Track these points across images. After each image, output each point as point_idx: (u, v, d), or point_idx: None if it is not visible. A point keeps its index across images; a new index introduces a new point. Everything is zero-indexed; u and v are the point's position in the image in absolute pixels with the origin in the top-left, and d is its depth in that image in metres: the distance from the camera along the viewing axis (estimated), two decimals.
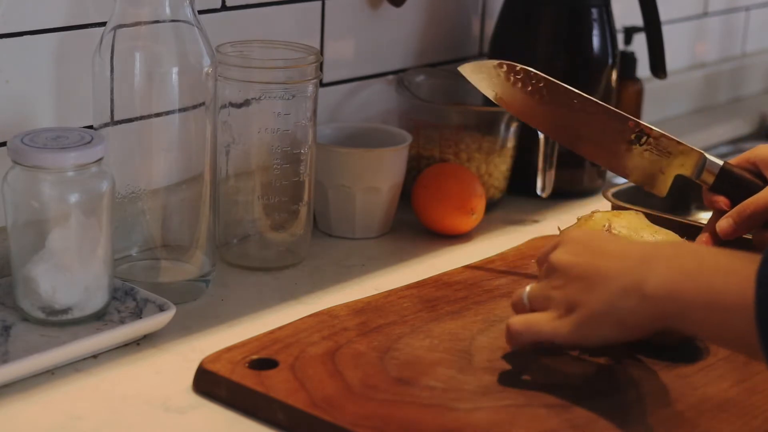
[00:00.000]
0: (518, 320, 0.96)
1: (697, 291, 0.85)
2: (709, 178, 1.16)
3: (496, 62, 1.18)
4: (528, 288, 0.98)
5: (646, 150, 1.17)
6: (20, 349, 0.99)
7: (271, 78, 1.17)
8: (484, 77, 1.19)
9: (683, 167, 1.17)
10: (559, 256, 0.95)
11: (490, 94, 1.19)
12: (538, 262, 1.01)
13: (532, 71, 1.17)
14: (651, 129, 1.17)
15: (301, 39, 1.29)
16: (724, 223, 1.15)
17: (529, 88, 1.17)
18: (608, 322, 0.91)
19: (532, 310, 0.97)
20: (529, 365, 1.00)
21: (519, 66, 1.17)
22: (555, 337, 0.94)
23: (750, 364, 1.01)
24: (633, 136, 1.17)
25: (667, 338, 1.03)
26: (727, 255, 0.87)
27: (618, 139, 1.17)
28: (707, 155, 1.17)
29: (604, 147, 1.18)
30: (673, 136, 1.17)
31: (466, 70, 1.20)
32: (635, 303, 0.88)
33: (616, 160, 1.18)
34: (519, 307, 0.98)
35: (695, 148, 1.17)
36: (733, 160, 1.18)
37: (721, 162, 1.16)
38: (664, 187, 1.19)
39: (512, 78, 1.17)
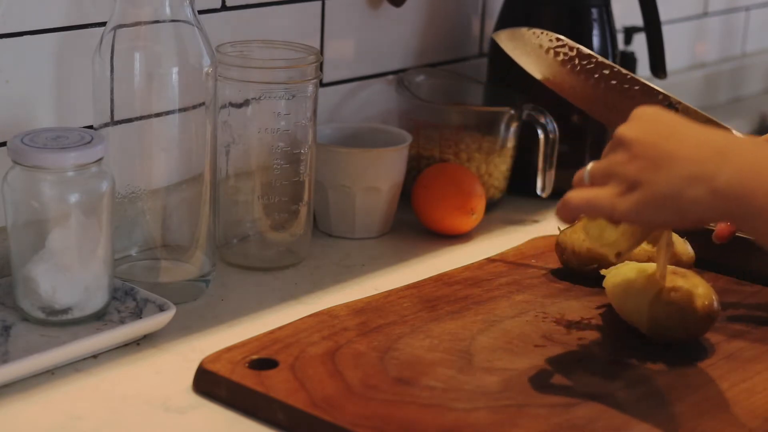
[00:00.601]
0: (576, 194, 0.93)
1: None
2: None
3: (532, 30, 1.16)
4: (590, 165, 0.94)
5: None
6: (20, 349, 0.99)
7: (271, 78, 1.17)
8: (518, 45, 1.17)
9: None
10: (627, 131, 0.91)
11: (522, 62, 1.17)
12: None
13: (564, 40, 1.15)
14: (679, 101, 1.16)
15: (301, 39, 1.29)
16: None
17: (560, 58, 1.16)
18: (669, 208, 0.88)
19: (591, 185, 0.93)
20: (529, 365, 1.00)
21: (554, 35, 1.15)
22: (612, 213, 0.90)
23: (750, 364, 1.01)
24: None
25: (666, 338, 1.03)
26: None
27: None
28: (732, 130, 1.16)
29: None
30: (697, 108, 1.16)
31: (501, 37, 1.18)
32: (702, 195, 0.85)
33: None
34: (579, 184, 0.95)
35: (721, 123, 1.16)
36: (763, 137, 1.17)
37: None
38: None
39: (547, 47, 1.16)
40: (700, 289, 1.02)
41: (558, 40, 1.15)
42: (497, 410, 0.92)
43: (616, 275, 1.08)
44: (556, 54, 1.16)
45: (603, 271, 1.11)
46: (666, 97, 1.16)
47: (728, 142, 0.89)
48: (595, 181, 0.93)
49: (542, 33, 1.17)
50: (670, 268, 1.06)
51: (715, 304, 1.02)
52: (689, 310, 1.01)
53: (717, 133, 0.91)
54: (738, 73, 2.06)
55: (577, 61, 1.12)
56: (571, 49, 1.15)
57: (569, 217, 0.94)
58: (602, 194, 0.91)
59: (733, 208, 0.85)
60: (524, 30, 1.16)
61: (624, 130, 0.92)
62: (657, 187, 0.88)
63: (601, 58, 1.15)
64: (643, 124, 0.92)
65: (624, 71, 1.16)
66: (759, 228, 0.85)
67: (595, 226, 0.98)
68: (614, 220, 0.92)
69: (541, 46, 1.16)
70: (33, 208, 1.01)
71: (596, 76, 1.13)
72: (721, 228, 1.16)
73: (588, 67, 1.14)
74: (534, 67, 1.19)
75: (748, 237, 1.18)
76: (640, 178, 0.89)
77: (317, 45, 1.36)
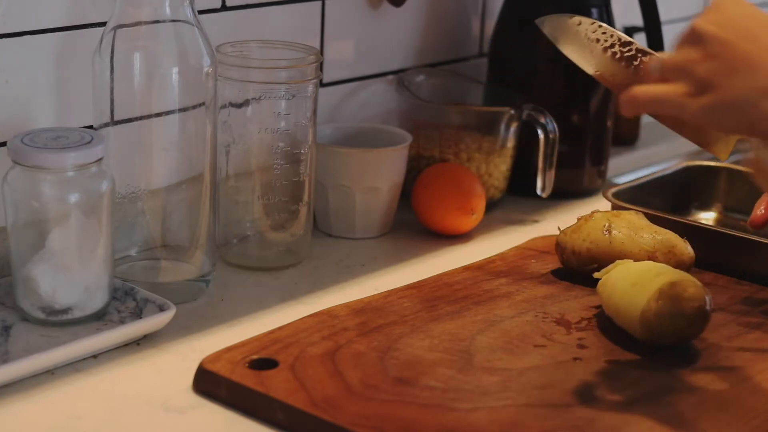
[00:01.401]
0: (644, 89, 0.90)
1: None
2: None
3: (576, 18, 1.15)
4: (662, 56, 0.92)
5: None
6: (20, 349, 0.99)
7: (271, 78, 1.17)
8: (562, 32, 1.16)
9: None
10: (705, 25, 0.88)
11: (565, 50, 1.16)
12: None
13: (604, 26, 1.15)
14: None
15: (301, 39, 1.29)
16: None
17: (602, 45, 1.15)
18: (740, 116, 0.86)
19: (661, 79, 0.91)
20: (529, 365, 1.00)
21: (596, 22, 1.15)
22: (681, 113, 0.88)
23: (750, 364, 1.01)
24: None
25: (661, 344, 1.03)
26: None
27: None
28: None
29: None
30: None
31: (544, 23, 1.17)
32: None
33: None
34: (647, 75, 0.92)
35: None
36: None
37: None
38: (726, 150, 1.16)
39: (586, 32, 1.15)
40: (688, 293, 1.01)
41: (600, 27, 1.15)
42: (497, 410, 0.92)
43: (606, 283, 1.08)
44: (597, 41, 1.15)
45: (596, 275, 1.11)
46: None
47: None
48: (667, 74, 0.90)
49: (584, 21, 1.17)
50: (660, 269, 1.05)
51: (707, 305, 1.02)
52: (679, 316, 1.01)
53: None
54: None
55: (617, 48, 1.12)
56: (611, 35, 1.15)
57: (635, 111, 0.91)
58: (672, 92, 0.89)
59: None
60: (567, 19, 1.15)
61: (702, 23, 0.88)
62: (730, 93, 0.85)
63: (640, 46, 1.14)
64: (723, 18, 0.88)
65: None
66: None
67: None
68: (681, 119, 0.90)
69: (587, 36, 1.16)
70: (33, 208, 1.01)
71: (635, 63, 1.13)
72: (756, 216, 1.14)
73: (627, 54, 1.14)
74: (580, 58, 1.19)
75: (751, 237, 1.19)
76: (714, 81, 0.86)
77: (317, 45, 1.36)
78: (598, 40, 1.10)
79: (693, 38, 0.89)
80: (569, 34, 1.12)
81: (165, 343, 1.04)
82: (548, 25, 1.14)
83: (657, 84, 0.91)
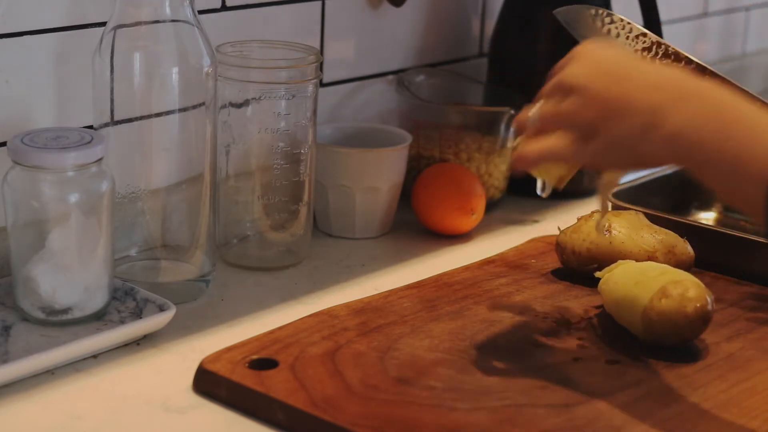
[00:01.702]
0: (532, 148, 0.92)
1: (721, 150, 0.83)
2: None
3: (592, 9, 1.16)
4: (536, 108, 0.94)
5: None
6: (20, 349, 0.99)
7: (271, 78, 1.17)
8: (577, 20, 1.17)
9: None
10: (577, 74, 0.91)
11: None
12: (557, 67, 0.96)
13: (619, 17, 1.16)
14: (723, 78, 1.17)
15: (301, 39, 1.29)
16: None
17: (616, 35, 1.16)
18: (629, 154, 0.88)
19: (540, 130, 0.93)
20: (529, 365, 1.00)
21: (614, 14, 1.16)
22: (572, 161, 0.92)
23: (750, 364, 1.01)
24: None
25: (662, 344, 1.03)
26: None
27: None
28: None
29: None
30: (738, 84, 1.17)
31: (561, 14, 1.19)
32: (657, 142, 0.86)
33: None
34: (525, 128, 0.95)
35: (760, 98, 1.17)
36: None
37: None
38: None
39: (600, 23, 1.16)
40: (691, 293, 1.01)
41: (619, 19, 1.16)
42: (497, 410, 0.92)
43: (608, 281, 1.08)
44: (609, 31, 1.16)
45: (597, 274, 1.11)
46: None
47: (684, 86, 0.87)
48: (547, 126, 0.92)
49: (599, 12, 1.18)
50: (663, 269, 1.06)
51: (708, 305, 1.02)
52: (682, 316, 1.01)
53: (672, 75, 0.90)
54: (738, 73, 2.06)
55: (631, 39, 1.13)
56: (623, 27, 1.15)
57: (527, 168, 0.94)
58: (559, 144, 0.91)
59: (686, 155, 0.85)
60: (584, 10, 1.16)
61: (572, 75, 0.91)
62: (616, 135, 0.87)
63: (655, 38, 1.15)
64: (590, 66, 0.91)
65: (680, 52, 1.16)
66: (709, 176, 0.85)
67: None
68: (572, 165, 0.93)
69: (603, 27, 1.17)
70: (33, 208, 1.01)
71: (650, 55, 1.13)
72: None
73: (644, 45, 1.15)
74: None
75: (751, 237, 1.19)
76: (598, 127, 0.88)
77: (317, 45, 1.36)
78: (609, 31, 1.10)
79: (566, 89, 0.91)
80: (586, 25, 1.13)
81: (165, 343, 1.04)
82: (565, 16, 1.15)
83: (541, 138, 0.93)
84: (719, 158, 0.83)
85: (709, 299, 1.02)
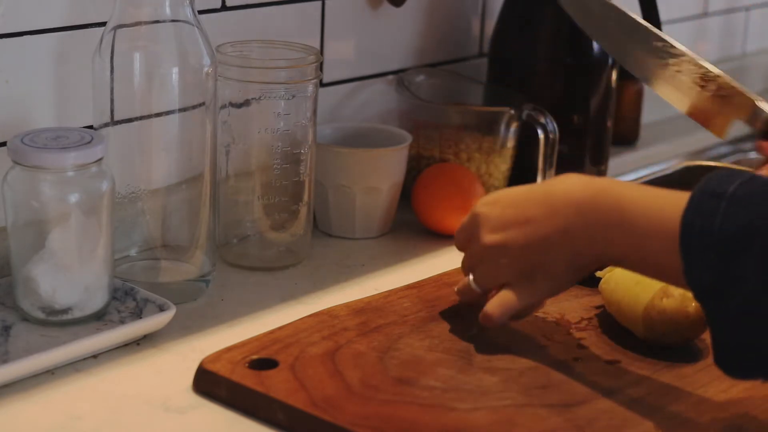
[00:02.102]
0: (492, 306, 1.00)
1: (631, 244, 0.91)
2: (759, 125, 1.18)
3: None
4: (472, 277, 1.03)
5: (709, 91, 1.21)
6: (20, 349, 0.99)
7: (271, 78, 1.17)
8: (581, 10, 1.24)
9: (740, 112, 1.20)
10: (490, 240, 1.00)
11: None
12: (460, 240, 1.05)
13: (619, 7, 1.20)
14: (711, 70, 1.21)
15: (301, 39, 1.29)
16: (765, 171, 1.18)
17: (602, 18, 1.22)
18: (570, 273, 0.97)
19: (484, 291, 1.03)
20: (529, 365, 1.00)
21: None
22: (532, 306, 1.01)
23: None
24: (699, 77, 1.21)
25: (663, 343, 1.03)
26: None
27: (687, 79, 1.22)
28: (758, 102, 1.20)
29: (675, 86, 1.23)
30: (730, 80, 1.20)
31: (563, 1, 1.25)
32: (584, 253, 0.95)
33: (685, 98, 1.23)
34: (469, 294, 1.04)
35: (749, 95, 1.20)
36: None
37: None
38: (723, 129, 1.19)
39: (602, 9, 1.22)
40: None
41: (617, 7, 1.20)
42: (497, 410, 0.92)
43: (610, 280, 1.08)
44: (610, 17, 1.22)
45: (598, 273, 1.11)
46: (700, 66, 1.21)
47: (569, 199, 0.95)
48: (487, 286, 1.03)
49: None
50: None
51: None
52: (683, 315, 1.01)
53: (551, 192, 0.98)
54: (738, 73, 2.05)
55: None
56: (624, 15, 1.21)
57: (496, 326, 1.01)
58: (512, 297, 1.00)
59: (609, 257, 0.94)
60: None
61: (488, 240, 1.00)
62: (553, 268, 0.97)
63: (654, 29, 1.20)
64: (495, 223, 1.00)
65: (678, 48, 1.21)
66: (636, 267, 0.93)
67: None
68: (529, 306, 1.02)
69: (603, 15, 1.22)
70: (33, 208, 1.01)
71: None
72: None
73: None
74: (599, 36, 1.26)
75: None
76: (532, 269, 0.98)
77: (317, 45, 1.36)
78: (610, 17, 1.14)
79: (490, 253, 1.00)
80: (588, 12, 1.17)
81: (165, 343, 1.04)
82: (567, 3, 1.19)
83: (495, 298, 1.01)
84: (628, 244, 0.91)
85: None
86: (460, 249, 1.06)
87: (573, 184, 0.97)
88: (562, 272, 0.97)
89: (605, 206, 0.93)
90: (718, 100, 1.20)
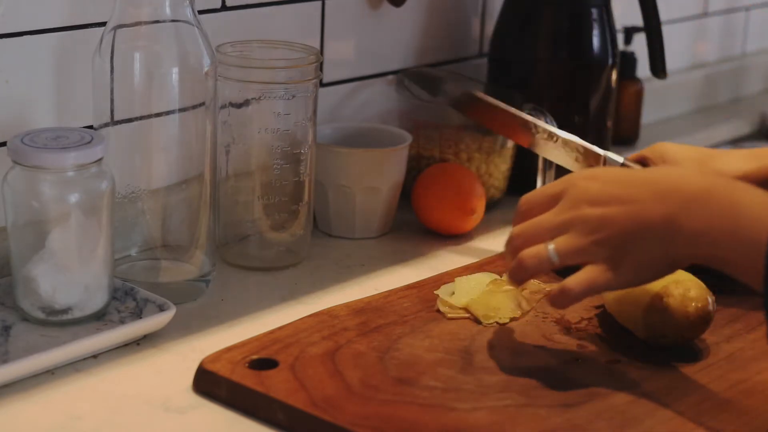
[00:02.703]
0: (576, 281, 0.94)
1: (736, 241, 0.87)
2: None
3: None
4: (553, 245, 0.95)
5: (561, 148, 1.26)
6: (20, 349, 0.99)
7: (271, 78, 1.17)
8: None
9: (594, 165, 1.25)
10: (589, 212, 0.94)
11: None
12: (535, 205, 0.98)
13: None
14: (554, 134, 1.27)
15: (301, 39, 1.29)
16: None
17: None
18: (662, 265, 0.92)
19: (560, 264, 0.95)
20: (529, 365, 1.00)
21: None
22: (612, 289, 0.95)
23: (750, 364, 1.01)
24: (546, 136, 1.27)
25: (663, 343, 1.03)
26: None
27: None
28: (608, 154, 1.24)
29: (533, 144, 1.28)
30: (575, 139, 1.26)
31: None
32: (681, 249, 0.90)
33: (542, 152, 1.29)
34: (540, 264, 0.96)
35: (596, 150, 1.25)
36: (631, 156, 1.23)
37: (621, 159, 1.22)
38: None
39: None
40: (692, 292, 1.02)
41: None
42: (497, 410, 0.92)
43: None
44: None
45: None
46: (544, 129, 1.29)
47: (686, 187, 0.91)
48: (571, 260, 0.95)
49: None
50: None
51: (710, 305, 1.02)
52: (683, 315, 1.01)
53: (670, 177, 0.93)
54: (738, 73, 2.06)
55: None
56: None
57: (568, 305, 0.96)
58: (597, 276, 0.94)
59: (708, 253, 0.90)
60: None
61: (587, 210, 0.94)
62: (638, 256, 0.92)
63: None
64: (596, 195, 0.94)
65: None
66: (733, 270, 0.89)
67: (481, 303, 1.06)
68: (610, 290, 0.96)
69: None
70: (33, 208, 1.01)
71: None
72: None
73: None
74: None
75: None
76: (625, 251, 0.92)
77: (317, 45, 1.36)
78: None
79: (584, 222, 0.94)
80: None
81: (165, 343, 1.04)
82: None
83: (579, 274, 0.95)
84: (735, 248, 0.87)
85: (710, 299, 1.02)
86: (525, 214, 0.99)
87: (686, 174, 0.93)
88: (653, 263, 0.92)
89: (718, 206, 0.88)
90: (571, 156, 1.26)
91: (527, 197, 1.00)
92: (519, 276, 0.98)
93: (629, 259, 0.92)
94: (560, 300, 0.95)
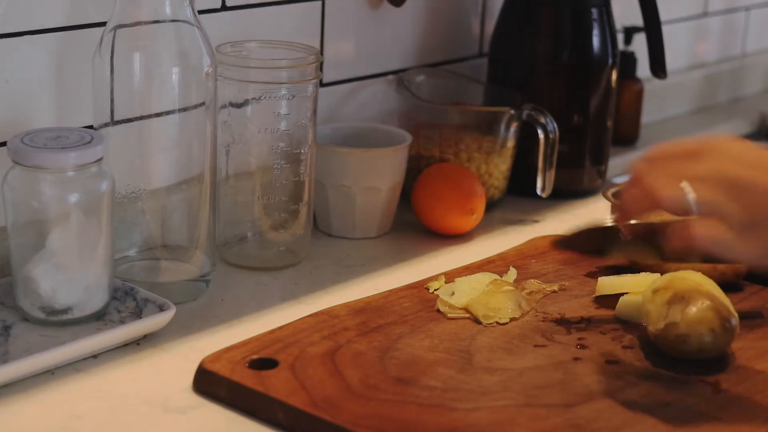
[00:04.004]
0: (703, 229, 0.89)
1: None
2: None
3: None
4: (691, 191, 0.89)
5: None
6: (20, 349, 0.99)
7: (271, 78, 1.17)
8: None
9: None
10: (739, 172, 0.89)
11: None
12: (675, 153, 0.92)
13: None
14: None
15: (301, 39, 1.29)
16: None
17: None
18: None
19: (696, 214, 0.89)
20: (529, 365, 1.00)
21: None
22: (733, 257, 0.90)
23: (750, 364, 1.01)
24: None
25: (687, 354, 1.02)
26: None
27: None
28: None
29: None
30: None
31: None
32: None
33: None
34: (680, 203, 0.90)
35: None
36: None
37: None
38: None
39: None
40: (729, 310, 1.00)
41: None
42: (497, 410, 0.92)
43: (609, 286, 1.09)
44: None
45: (600, 282, 1.11)
46: None
47: None
48: (704, 210, 0.90)
49: None
50: (704, 283, 1.03)
51: (732, 321, 1.00)
52: (704, 338, 0.99)
53: None
54: (738, 73, 2.06)
55: None
56: None
57: (686, 249, 0.91)
58: (731, 238, 0.89)
59: None
60: None
61: (730, 170, 0.89)
62: None
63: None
64: (742, 160, 0.90)
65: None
66: None
67: (481, 303, 1.06)
68: (730, 261, 0.92)
69: None
70: (33, 208, 1.01)
71: None
72: None
73: None
74: None
75: None
76: (761, 224, 0.88)
77: (317, 45, 1.36)
78: None
79: (727, 183, 0.89)
80: None
81: (165, 343, 1.04)
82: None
83: (707, 225, 0.90)
84: None
85: (731, 317, 1.00)
86: (655, 161, 0.93)
87: None
88: None
89: None
90: None
91: (660, 146, 0.94)
92: (641, 204, 0.92)
93: (759, 233, 0.88)
94: (678, 240, 0.90)
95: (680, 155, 0.92)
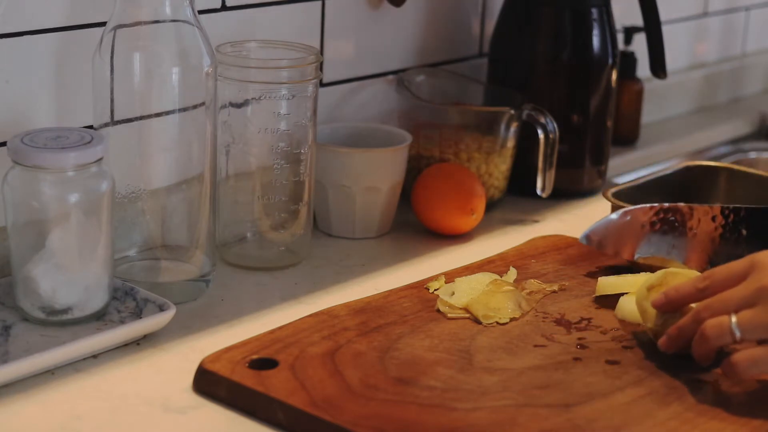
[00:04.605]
0: (744, 357, 0.93)
1: None
2: None
3: None
4: (736, 318, 0.93)
5: None
6: (20, 349, 0.99)
7: (271, 78, 1.17)
8: None
9: None
10: None
11: None
12: (719, 278, 0.96)
13: None
14: None
15: (301, 39, 1.29)
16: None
17: None
18: None
19: (743, 338, 0.94)
20: (529, 365, 1.00)
21: None
22: None
23: None
24: None
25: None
26: None
27: None
28: None
29: None
30: None
31: None
32: None
33: None
34: (728, 338, 0.94)
35: None
36: None
37: None
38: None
39: None
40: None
41: None
42: (497, 410, 0.92)
43: (609, 286, 1.09)
44: None
45: (600, 282, 1.11)
46: None
47: None
48: (751, 337, 0.93)
49: None
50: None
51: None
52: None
53: None
54: (738, 73, 2.06)
55: None
56: None
57: (737, 378, 0.95)
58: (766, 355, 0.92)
59: None
60: None
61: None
62: None
63: None
64: None
65: None
66: None
67: (481, 303, 1.06)
68: None
69: None
70: (33, 208, 1.01)
71: None
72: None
73: None
74: None
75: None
76: None
77: (317, 45, 1.36)
78: None
79: (761, 298, 0.92)
80: None
81: (165, 343, 1.04)
82: None
83: (751, 349, 0.93)
84: None
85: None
86: (704, 289, 0.97)
87: None
88: None
89: None
90: None
91: (708, 273, 0.98)
92: (701, 349, 0.96)
93: None
94: (731, 371, 0.94)
95: (723, 282, 0.96)
